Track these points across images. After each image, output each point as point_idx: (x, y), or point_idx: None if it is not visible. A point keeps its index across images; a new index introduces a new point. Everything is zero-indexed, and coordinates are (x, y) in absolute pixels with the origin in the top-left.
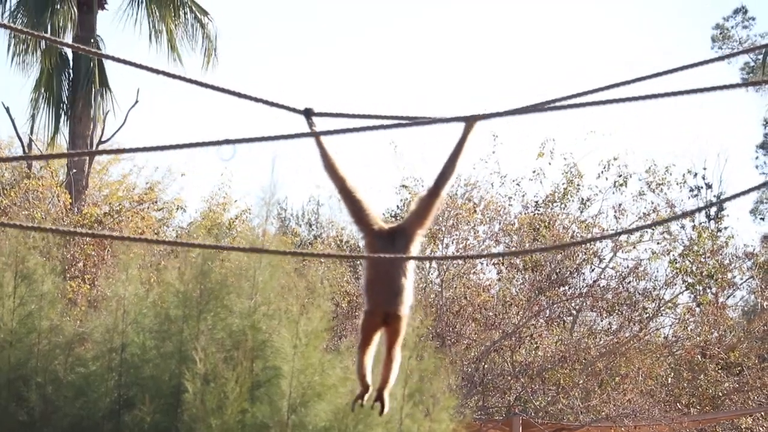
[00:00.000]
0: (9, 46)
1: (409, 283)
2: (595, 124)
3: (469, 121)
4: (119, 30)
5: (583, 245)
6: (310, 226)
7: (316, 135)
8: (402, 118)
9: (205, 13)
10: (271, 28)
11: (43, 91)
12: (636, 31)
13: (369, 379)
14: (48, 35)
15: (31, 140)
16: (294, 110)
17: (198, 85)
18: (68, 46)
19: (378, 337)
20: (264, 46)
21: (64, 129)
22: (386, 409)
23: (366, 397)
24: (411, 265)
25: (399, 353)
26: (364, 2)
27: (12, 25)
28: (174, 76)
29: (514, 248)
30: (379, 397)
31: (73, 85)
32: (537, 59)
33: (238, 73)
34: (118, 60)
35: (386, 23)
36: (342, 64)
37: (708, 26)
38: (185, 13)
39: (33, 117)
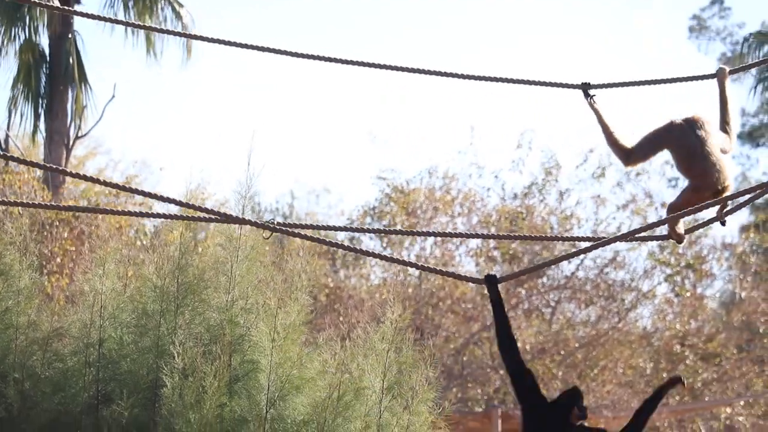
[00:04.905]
0: None
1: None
2: (575, 117)
3: (583, 87)
4: (94, 25)
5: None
6: (285, 218)
7: None
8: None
9: (181, 5)
10: (254, 15)
11: (21, 87)
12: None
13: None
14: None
15: (8, 136)
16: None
17: (295, 57)
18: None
19: None
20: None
21: (41, 125)
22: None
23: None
24: None
25: None
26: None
27: None
28: (275, 51)
29: (492, 240)
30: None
31: (51, 80)
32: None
33: (219, 65)
34: (205, 39)
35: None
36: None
37: (685, 17)
38: (162, 8)
39: (10, 112)
